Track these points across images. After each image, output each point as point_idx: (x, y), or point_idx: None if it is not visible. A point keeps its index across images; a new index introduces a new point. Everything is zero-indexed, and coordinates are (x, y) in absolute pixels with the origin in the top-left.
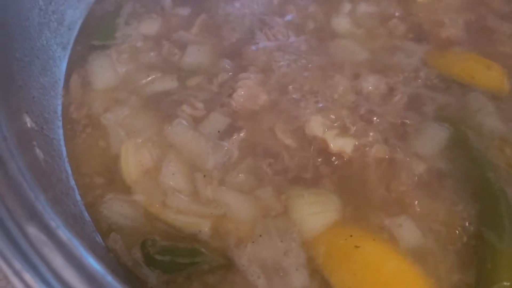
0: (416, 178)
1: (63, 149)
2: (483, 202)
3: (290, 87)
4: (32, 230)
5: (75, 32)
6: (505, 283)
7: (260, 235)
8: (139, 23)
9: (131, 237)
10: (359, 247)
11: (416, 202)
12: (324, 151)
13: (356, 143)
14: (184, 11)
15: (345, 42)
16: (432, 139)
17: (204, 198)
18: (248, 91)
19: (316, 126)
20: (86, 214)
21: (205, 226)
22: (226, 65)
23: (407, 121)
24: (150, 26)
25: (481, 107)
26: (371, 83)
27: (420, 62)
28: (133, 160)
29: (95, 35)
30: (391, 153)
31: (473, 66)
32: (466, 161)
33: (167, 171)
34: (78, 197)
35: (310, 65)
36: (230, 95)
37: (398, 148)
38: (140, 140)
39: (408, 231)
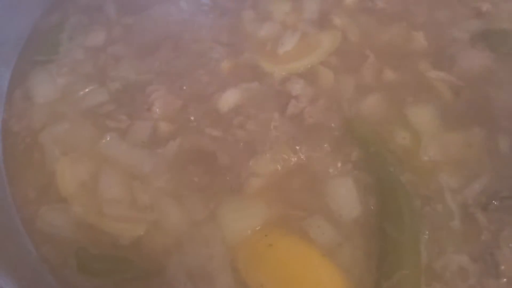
0: None
1: (1, 165)
2: (384, 197)
3: None
4: None
5: (19, 48)
6: (404, 271)
7: (187, 242)
8: (82, 36)
9: (65, 247)
10: (271, 245)
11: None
12: None
13: None
14: (129, 20)
15: None
16: None
17: (141, 204)
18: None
19: None
20: (21, 227)
21: (139, 232)
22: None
23: None
24: (93, 38)
25: None
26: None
27: None
28: (69, 175)
29: (39, 51)
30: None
31: None
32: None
33: (105, 185)
34: (14, 210)
35: None
36: (149, 109)
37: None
38: (76, 155)
39: (324, 230)
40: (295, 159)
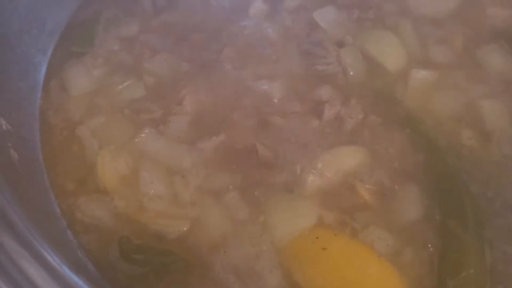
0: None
1: (39, 151)
2: (446, 194)
3: None
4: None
5: (55, 38)
6: (471, 271)
7: (233, 240)
8: (117, 28)
9: (106, 237)
10: (325, 249)
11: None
12: None
13: None
14: (165, 15)
15: None
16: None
17: (182, 200)
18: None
19: None
20: (60, 217)
21: (182, 228)
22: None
23: None
24: (128, 30)
25: None
26: None
27: None
28: (109, 168)
29: (75, 42)
30: None
31: None
32: (427, 153)
33: (146, 181)
34: (53, 198)
35: None
36: (179, 103)
37: None
38: (115, 149)
39: (380, 236)
40: (343, 161)
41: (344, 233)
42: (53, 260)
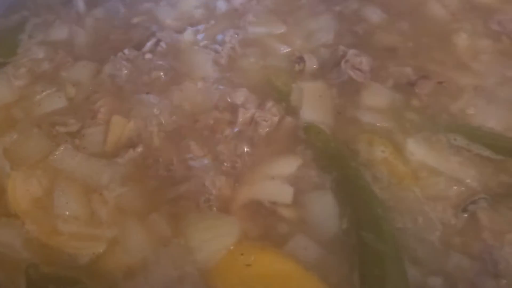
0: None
1: None
2: (358, 206)
3: None
4: None
5: None
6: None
7: (152, 263)
8: (44, 33)
9: (13, 266)
10: (250, 265)
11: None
12: None
13: None
14: (98, 14)
15: None
16: None
17: (99, 219)
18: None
19: None
20: None
21: (98, 250)
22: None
23: None
24: (55, 34)
25: None
26: None
27: None
28: (21, 190)
29: None
30: None
31: None
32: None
33: (60, 201)
34: None
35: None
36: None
37: None
38: (28, 169)
39: (305, 246)
40: (262, 172)
41: (269, 247)
42: None
